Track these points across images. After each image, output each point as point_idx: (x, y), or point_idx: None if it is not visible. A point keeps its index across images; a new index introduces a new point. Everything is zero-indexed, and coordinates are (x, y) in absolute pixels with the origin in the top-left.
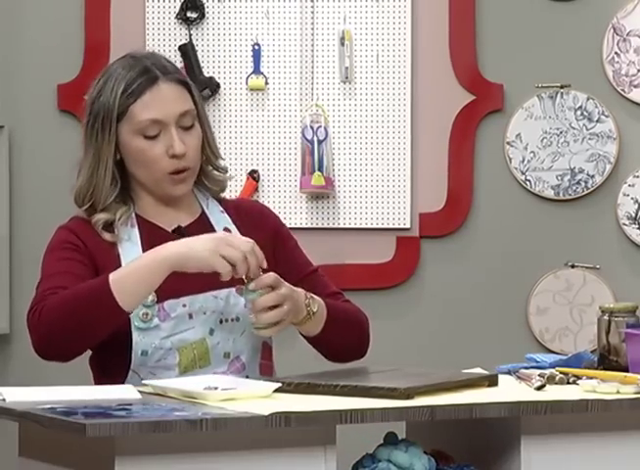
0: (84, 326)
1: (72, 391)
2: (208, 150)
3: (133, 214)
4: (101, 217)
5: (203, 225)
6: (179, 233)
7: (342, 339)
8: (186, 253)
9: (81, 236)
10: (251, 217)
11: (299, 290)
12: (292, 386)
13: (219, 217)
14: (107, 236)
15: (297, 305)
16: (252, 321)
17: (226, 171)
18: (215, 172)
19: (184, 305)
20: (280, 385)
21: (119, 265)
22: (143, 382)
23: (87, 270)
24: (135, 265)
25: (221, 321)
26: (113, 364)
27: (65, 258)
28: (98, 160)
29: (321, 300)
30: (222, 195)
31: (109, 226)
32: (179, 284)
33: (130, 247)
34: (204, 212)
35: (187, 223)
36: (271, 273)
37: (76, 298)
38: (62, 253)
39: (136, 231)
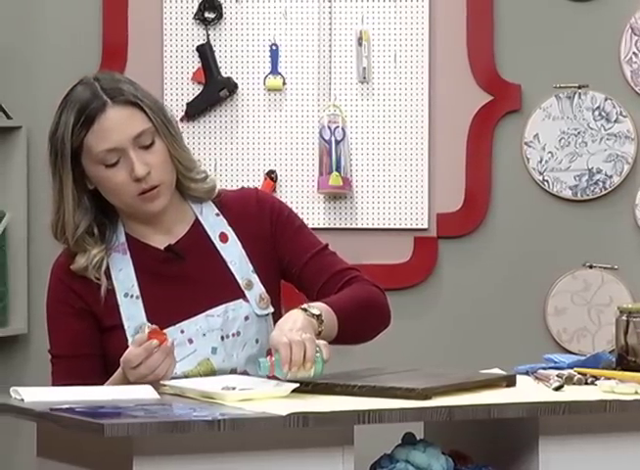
0: None
1: (91, 391)
2: (178, 163)
3: (123, 238)
4: (78, 267)
5: (197, 235)
6: (171, 251)
7: (362, 327)
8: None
9: (74, 285)
10: (249, 214)
11: (293, 311)
12: (309, 386)
13: (214, 222)
14: (92, 276)
15: (308, 325)
16: (304, 378)
17: (206, 177)
18: (195, 184)
19: (182, 332)
20: (298, 385)
21: (114, 300)
22: (161, 382)
23: (91, 337)
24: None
25: (222, 338)
26: None
27: (68, 330)
28: (61, 195)
29: (322, 304)
30: (223, 187)
31: (87, 268)
32: (173, 310)
33: (125, 277)
34: (197, 220)
35: (180, 236)
36: (275, 338)
37: None
38: (63, 321)
39: (128, 258)
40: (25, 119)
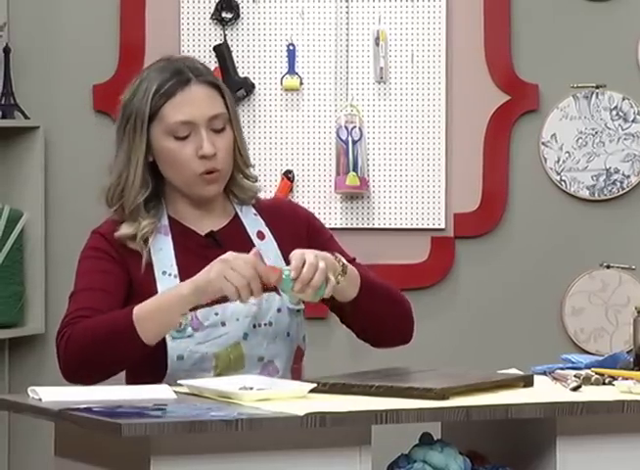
0: (108, 358)
1: (108, 391)
2: (239, 156)
3: (166, 221)
4: (124, 233)
5: (236, 228)
6: (212, 237)
7: (382, 312)
8: (201, 282)
9: (115, 243)
10: (284, 217)
11: (323, 252)
12: (327, 386)
13: (252, 221)
14: (133, 245)
15: (329, 260)
16: (304, 299)
17: (256, 180)
18: (245, 181)
19: (216, 314)
20: (315, 385)
21: (152, 276)
22: (178, 382)
23: (119, 282)
24: (158, 304)
25: (254, 326)
26: (147, 370)
27: (97, 271)
28: (129, 160)
29: (352, 266)
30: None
31: (134, 237)
32: None
33: (164, 256)
34: (237, 215)
35: (220, 226)
36: (295, 251)
37: (100, 331)
38: (95, 263)
39: (169, 239)
40: (43, 120)
